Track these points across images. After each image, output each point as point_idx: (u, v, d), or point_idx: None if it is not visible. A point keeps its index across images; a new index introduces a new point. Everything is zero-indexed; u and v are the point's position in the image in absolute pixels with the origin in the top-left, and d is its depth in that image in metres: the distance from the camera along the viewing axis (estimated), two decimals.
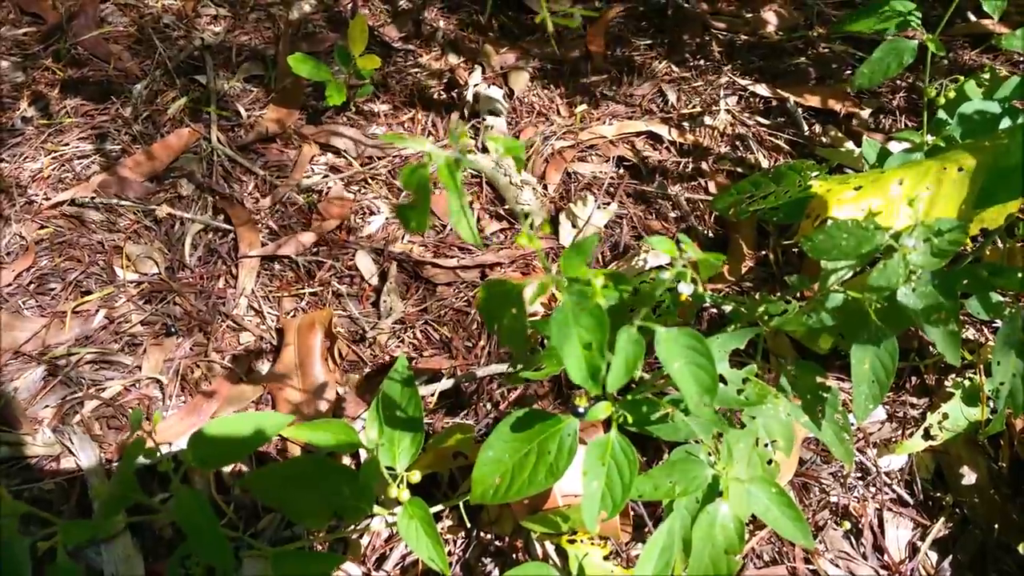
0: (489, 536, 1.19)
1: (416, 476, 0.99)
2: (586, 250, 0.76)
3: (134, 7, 1.95)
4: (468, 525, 1.18)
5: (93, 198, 1.58)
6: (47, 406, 1.33)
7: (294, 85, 1.79)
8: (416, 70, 1.88)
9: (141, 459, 0.92)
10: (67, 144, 1.67)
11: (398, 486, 0.97)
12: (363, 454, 1.22)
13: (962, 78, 1.33)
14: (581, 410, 0.88)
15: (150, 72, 1.80)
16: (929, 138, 1.29)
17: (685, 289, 0.79)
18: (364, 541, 1.19)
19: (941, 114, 1.33)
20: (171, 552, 1.17)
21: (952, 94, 1.25)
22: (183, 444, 1.22)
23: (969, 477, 1.27)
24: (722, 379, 0.97)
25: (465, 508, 1.14)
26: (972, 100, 1.28)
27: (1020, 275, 1.08)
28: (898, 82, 1.88)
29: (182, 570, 0.88)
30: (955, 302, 1.01)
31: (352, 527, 1.13)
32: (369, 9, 2.00)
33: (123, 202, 1.58)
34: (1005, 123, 1.23)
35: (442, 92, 1.85)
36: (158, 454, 0.86)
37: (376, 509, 1.00)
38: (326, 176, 1.66)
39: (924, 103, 1.28)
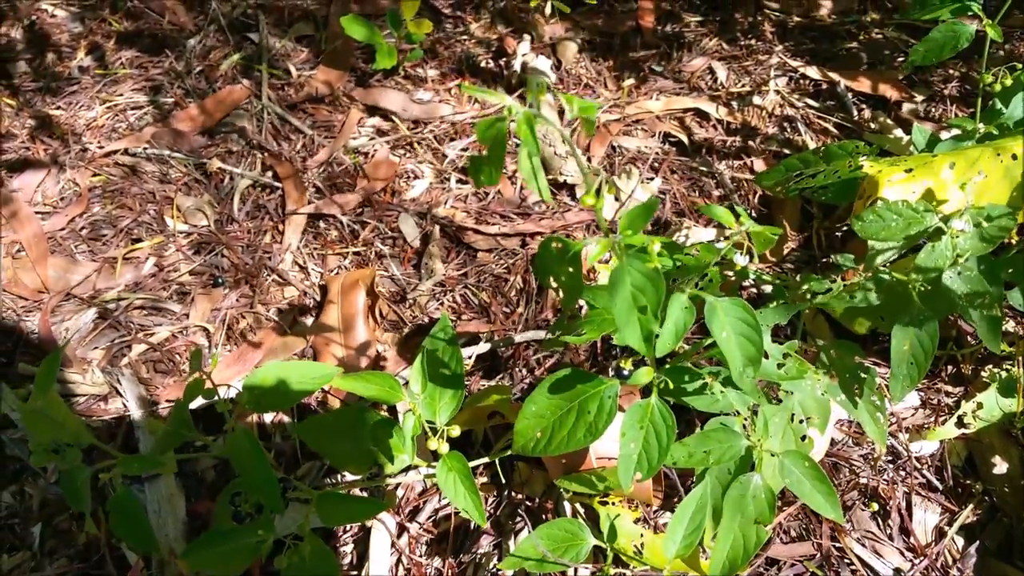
0: (520, 496, 1.22)
1: (456, 430, 1.01)
2: (647, 216, 0.77)
3: None
4: (503, 481, 1.21)
5: (146, 149, 1.61)
6: (96, 348, 1.37)
7: (344, 47, 1.81)
8: (465, 37, 1.89)
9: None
10: (121, 95, 1.71)
11: (438, 439, 0.99)
12: (400, 409, 1.25)
13: (1020, 66, 1.31)
14: (625, 373, 0.89)
15: (204, 27, 1.83)
16: (981, 126, 1.28)
17: (741, 260, 0.81)
18: (399, 494, 1.22)
19: (995, 103, 1.31)
20: (212, 494, 1.22)
21: (1009, 81, 1.24)
22: (227, 392, 1.26)
23: (1001, 467, 1.27)
24: (764, 353, 0.98)
25: (500, 466, 1.17)
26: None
27: None
28: (950, 71, 1.85)
29: (231, 507, 0.92)
30: (999, 289, 1.02)
31: (388, 478, 1.16)
32: None
33: (175, 154, 1.61)
34: None
35: (490, 61, 1.86)
36: (216, 395, 0.89)
37: (415, 460, 1.03)
38: (373, 139, 1.68)
39: (979, 89, 1.27)
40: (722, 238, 1.53)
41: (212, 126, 1.66)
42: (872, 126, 1.74)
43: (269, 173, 1.61)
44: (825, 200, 1.39)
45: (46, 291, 1.42)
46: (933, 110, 1.78)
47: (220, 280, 1.46)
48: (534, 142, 0.68)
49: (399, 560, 1.18)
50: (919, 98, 1.78)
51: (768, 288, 1.39)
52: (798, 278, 1.42)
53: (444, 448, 1.00)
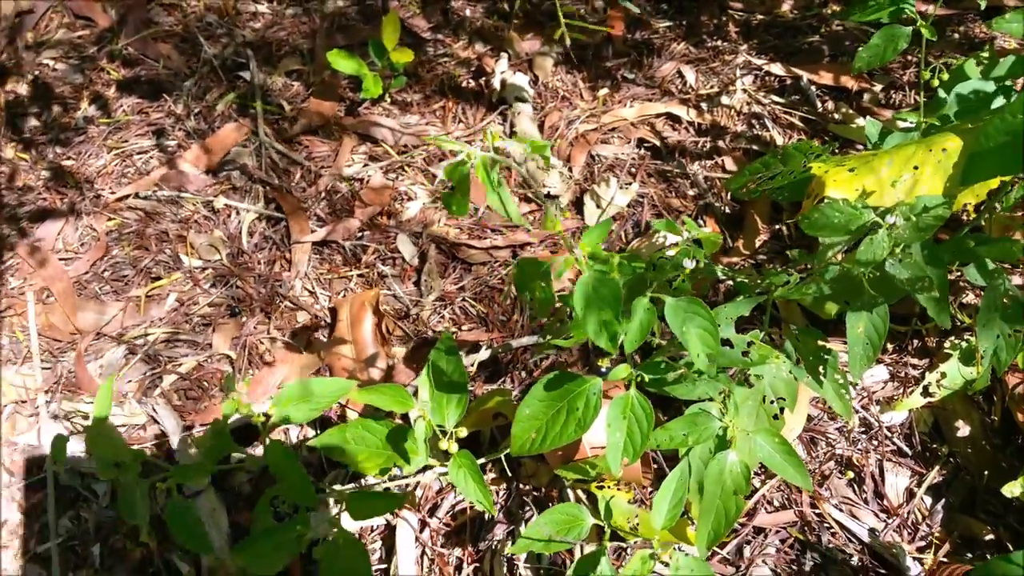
0: (528, 487, 1.34)
1: (463, 432, 1.13)
2: (602, 233, 0.89)
3: (177, 7, 2.08)
4: (509, 475, 1.33)
5: (155, 191, 1.73)
6: (130, 380, 1.49)
7: (332, 78, 1.92)
8: (445, 59, 2.00)
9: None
10: (127, 141, 1.82)
11: (448, 440, 1.11)
12: (412, 415, 1.37)
13: (957, 60, 1.42)
14: (604, 370, 1.01)
15: (197, 69, 1.94)
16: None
17: (688, 264, 0.92)
18: (419, 493, 1.34)
19: (941, 92, 1.42)
20: (250, 506, 1.34)
21: (945, 76, 1.35)
22: (256, 409, 1.38)
23: (964, 430, 1.38)
24: (728, 343, 1.10)
25: (507, 462, 1.29)
26: (970, 79, 1.37)
27: (1002, 242, 1.19)
28: (909, 57, 1.96)
29: (272, 509, 1.03)
30: (942, 271, 1.13)
31: (407, 478, 1.28)
32: (399, 0, 2.11)
33: (183, 194, 1.73)
34: (999, 102, 1.33)
35: (470, 80, 1.97)
36: (250, 412, 1.01)
37: (429, 460, 1.15)
38: (366, 165, 1.80)
39: (920, 85, 1.38)
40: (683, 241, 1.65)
41: (215, 165, 1.77)
42: (836, 117, 1.85)
43: (272, 205, 1.73)
44: (783, 199, 1.50)
45: (77, 332, 1.54)
46: (894, 96, 1.89)
47: (237, 310, 1.57)
48: (491, 184, 0.79)
49: (423, 552, 1.30)
50: (878, 87, 1.89)
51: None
52: (771, 267, 1.53)
53: (454, 448, 1.12)
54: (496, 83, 1.92)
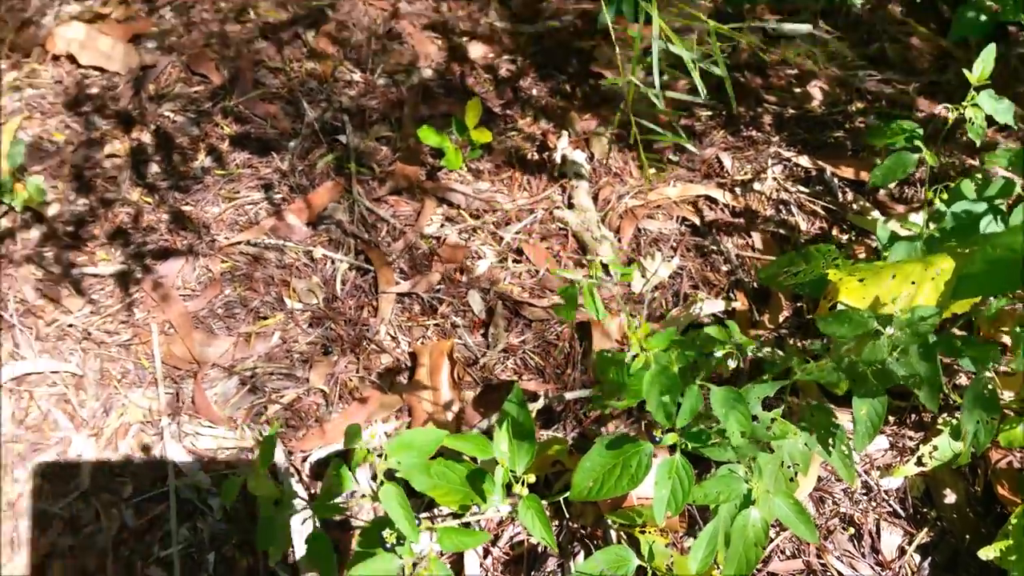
0: (576, 525, 1.59)
1: (532, 478, 1.38)
2: (668, 337, 1.15)
3: (282, 71, 2.37)
4: (566, 516, 1.58)
5: (264, 239, 2.00)
6: (240, 408, 1.75)
7: (416, 145, 2.19)
8: (514, 133, 2.27)
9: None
10: (239, 192, 2.10)
11: (520, 486, 1.36)
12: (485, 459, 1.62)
13: (953, 184, 1.66)
14: (658, 439, 1.26)
15: (300, 131, 2.22)
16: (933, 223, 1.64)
17: (731, 363, 1.17)
18: (483, 524, 1.60)
19: (942, 206, 1.66)
20: (340, 528, 1.59)
21: (945, 195, 1.60)
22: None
23: (951, 497, 1.62)
24: (756, 419, 1.35)
25: (563, 503, 1.54)
26: (965, 198, 1.62)
27: (983, 346, 1.43)
28: (944, 112, 2.19)
29: (379, 536, 1.28)
30: (934, 366, 1.37)
31: (477, 513, 1.53)
32: (475, 77, 2.39)
33: (287, 243, 2.00)
34: (987, 220, 1.57)
35: (535, 153, 2.23)
36: (374, 459, 1.26)
37: (505, 503, 1.40)
38: (443, 225, 2.06)
39: (924, 201, 1.63)
40: (728, 311, 1.90)
41: (314, 218, 2.05)
42: (855, 207, 2.09)
43: (362, 257, 1.99)
44: (804, 293, 1.75)
45: (195, 362, 1.81)
46: (907, 192, 2.14)
47: (330, 349, 1.84)
48: (595, 307, 1.05)
49: None
50: (892, 184, 2.14)
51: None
52: (784, 347, 1.78)
53: (524, 492, 1.37)
54: (557, 157, 2.19)
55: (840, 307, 1.36)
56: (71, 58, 2.36)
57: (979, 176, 1.66)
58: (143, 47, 2.40)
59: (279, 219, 2.03)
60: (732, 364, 1.18)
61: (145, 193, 2.10)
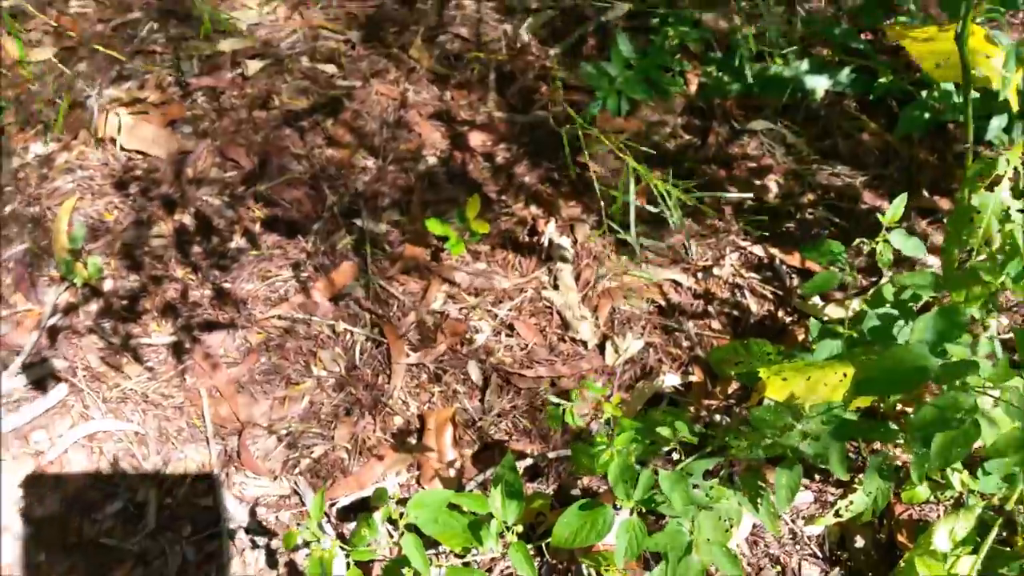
0: (555, 561, 1.94)
1: (520, 528, 1.73)
2: (629, 437, 1.51)
3: (305, 157, 2.73)
4: (546, 556, 1.94)
5: (293, 314, 2.35)
6: (278, 461, 2.10)
7: (423, 229, 2.55)
8: (507, 217, 2.63)
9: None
10: (271, 272, 2.45)
11: (511, 534, 1.71)
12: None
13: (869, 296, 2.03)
14: (618, 507, 1.62)
15: (322, 214, 2.57)
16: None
17: (675, 455, 1.54)
18: (479, 559, 1.95)
19: (865, 307, 2.03)
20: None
21: (868, 298, 1.98)
22: (365, 492, 1.99)
23: (860, 543, 1.99)
24: (697, 487, 1.71)
25: (545, 547, 1.89)
26: (884, 304, 1.99)
27: (885, 430, 1.80)
28: (862, 246, 2.58)
29: (399, 574, 1.63)
30: (841, 444, 1.74)
31: (476, 554, 1.88)
32: (474, 164, 2.75)
33: (313, 317, 2.35)
34: (900, 325, 1.94)
35: (526, 236, 2.60)
36: (398, 515, 1.61)
37: (499, 548, 1.75)
38: (446, 302, 2.42)
39: (846, 304, 2.01)
40: (685, 384, 2.27)
41: (336, 295, 2.40)
42: (799, 292, 2.47)
43: (377, 330, 2.35)
44: (743, 382, 2.13)
45: (239, 421, 2.15)
46: (847, 278, 2.51)
47: (350, 410, 2.19)
48: (573, 420, 1.41)
49: None
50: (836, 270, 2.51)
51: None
52: (730, 415, 2.13)
53: (513, 538, 1.73)
54: (545, 241, 2.55)
55: (767, 400, 1.73)
56: (113, 141, 2.70)
57: (900, 279, 2.03)
58: (180, 131, 2.75)
59: (306, 296, 2.38)
60: (675, 456, 1.55)
61: (189, 271, 2.45)
